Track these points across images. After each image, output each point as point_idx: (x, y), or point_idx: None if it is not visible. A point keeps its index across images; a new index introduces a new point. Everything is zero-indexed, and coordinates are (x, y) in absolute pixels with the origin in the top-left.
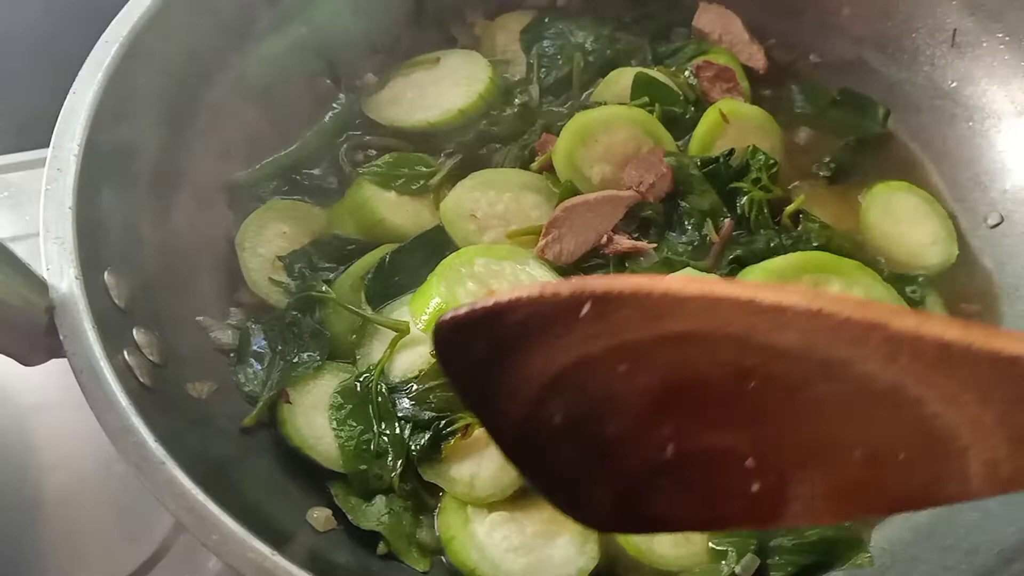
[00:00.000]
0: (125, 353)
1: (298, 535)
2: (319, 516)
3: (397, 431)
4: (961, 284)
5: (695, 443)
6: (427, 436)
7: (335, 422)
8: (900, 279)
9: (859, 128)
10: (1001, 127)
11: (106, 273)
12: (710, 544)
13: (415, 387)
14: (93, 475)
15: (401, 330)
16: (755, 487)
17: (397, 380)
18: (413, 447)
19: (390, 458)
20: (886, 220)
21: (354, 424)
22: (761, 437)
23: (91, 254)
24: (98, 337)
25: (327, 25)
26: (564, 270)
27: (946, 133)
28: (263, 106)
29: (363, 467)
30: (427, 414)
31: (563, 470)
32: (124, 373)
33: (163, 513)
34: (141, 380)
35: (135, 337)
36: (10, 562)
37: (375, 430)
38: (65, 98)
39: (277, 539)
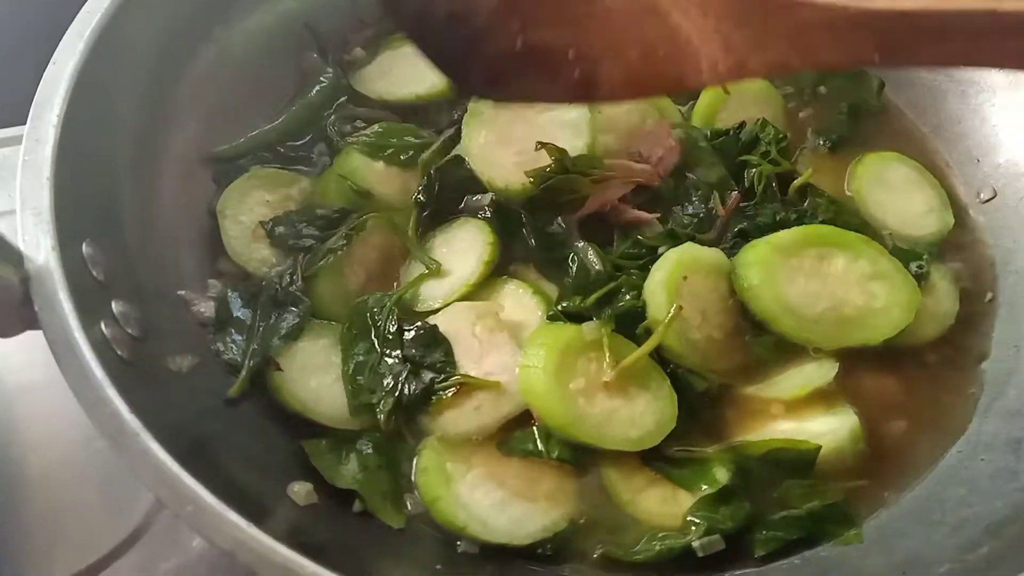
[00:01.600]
0: (103, 325)
1: (278, 509)
2: (300, 490)
3: (397, 362)
4: (955, 258)
5: (535, 37)
6: (421, 387)
7: (344, 343)
8: (905, 254)
9: (855, 98)
10: (995, 101)
11: (84, 245)
12: (689, 516)
13: (424, 326)
14: (75, 453)
15: (432, 270)
16: (576, 72)
17: (417, 308)
18: (406, 390)
19: (387, 384)
20: (879, 190)
21: (359, 346)
22: (577, 35)
23: (69, 226)
24: (74, 308)
25: None
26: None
27: (939, 107)
28: (247, 79)
29: (358, 391)
30: (427, 360)
31: (452, 49)
32: (101, 346)
33: (145, 490)
34: (119, 353)
35: (114, 310)
36: None
37: (377, 351)
38: None
39: (256, 513)
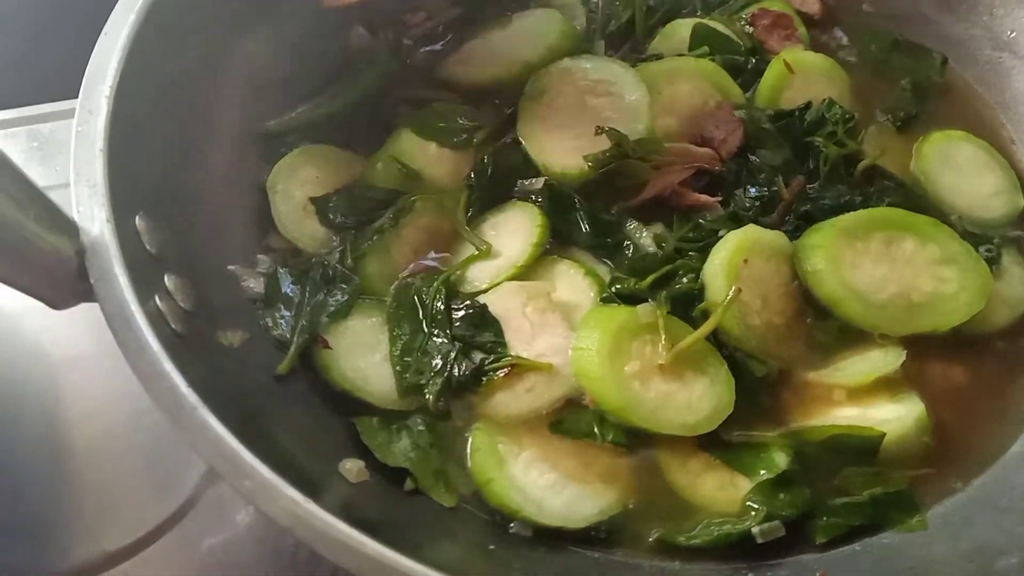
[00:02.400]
0: (156, 299)
1: (331, 486)
2: (352, 467)
3: (447, 341)
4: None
5: None
6: (471, 368)
7: (391, 322)
8: (975, 238)
9: (918, 75)
10: None
11: (137, 218)
12: (748, 502)
13: (476, 305)
14: (123, 427)
15: (482, 252)
16: None
17: (466, 289)
18: (456, 371)
19: (436, 364)
20: (946, 170)
21: (406, 326)
22: None
23: (122, 198)
24: (129, 282)
25: None
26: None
27: (1005, 84)
28: (297, 53)
29: (407, 371)
30: (477, 340)
31: None
32: (156, 319)
33: (192, 465)
34: (173, 327)
35: (166, 283)
36: (40, 514)
37: (425, 331)
38: (93, 48)
39: (310, 489)
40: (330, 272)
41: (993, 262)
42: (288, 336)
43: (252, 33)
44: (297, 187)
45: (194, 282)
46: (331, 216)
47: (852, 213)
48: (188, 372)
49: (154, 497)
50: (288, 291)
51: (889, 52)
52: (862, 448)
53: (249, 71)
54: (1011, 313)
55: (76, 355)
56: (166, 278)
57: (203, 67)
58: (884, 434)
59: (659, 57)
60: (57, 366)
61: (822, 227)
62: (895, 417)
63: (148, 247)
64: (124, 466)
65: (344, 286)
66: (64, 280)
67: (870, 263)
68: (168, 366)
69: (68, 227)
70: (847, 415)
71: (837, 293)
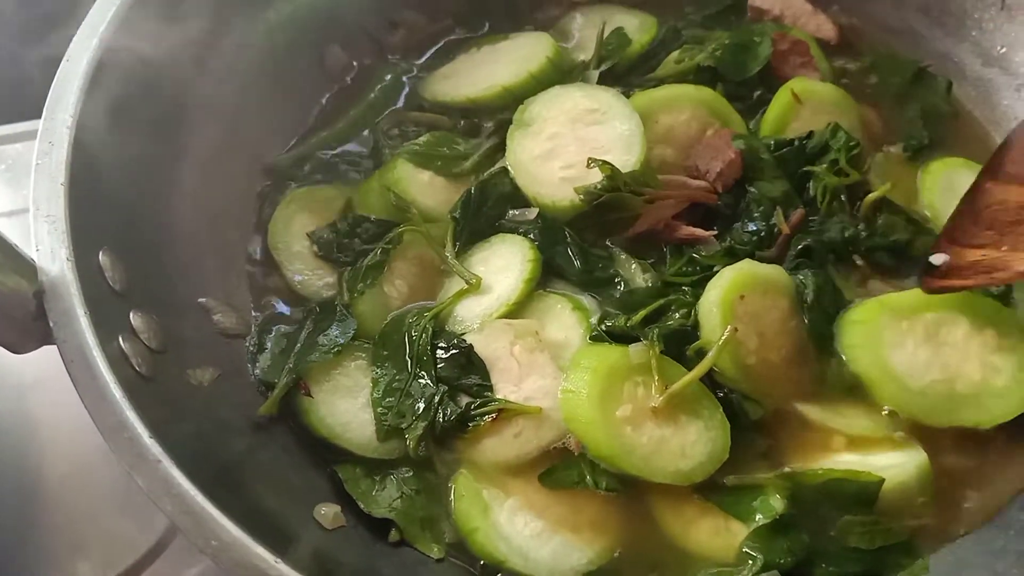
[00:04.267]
0: (120, 339)
1: (304, 534)
2: (327, 512)
3: (431, 384)
4: None
5: None
6: (457, 412)
7: (376, 361)
8: None
9: (926, 102)
10: None
11: (101, 254)
12: (744, 549)
13: (461, 346)
14: (95, 457)
15: (471, 285)
16: None
17: (454, 329)
18: (440, 416)
19: (419, 408)
20: (953, 200)
21: (390, 365)
22: None
23: (85, 234)
24: (91, 323)
25: None
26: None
27: (994, 102)
28: (270, 75)
29: (388, 414)
30: (462, 383)
31: None
32: (119, 362)
33: None
34: (138, 369)
35: (132, 322)
36: (9, 550)
37: (409, 371)
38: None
39: (281, 540)
40: (328, 311)
41: (1006, 294)
42: (274, 376)
43: (221, 53)
44: (296, 240)
45: (162, 318)
46: (327, 250)
47: (904, 292)
48: (152, 419)
49: (128, 533)
50: (282, 330)
51: (910, 83)
52: (860, 494)
53: (219, 94)
54: None
55: (46, 377)
56: (132, 316)
57: (171, 90)
58: (883, 480)
59: (658, 84)
60: (27, 390)
61: (868, 303)
62: (896, 464)
63: (112, 284)
64: (96, 501)
65: (340, 324)
66: (23, 323)
67: (913, 344)
68: (130, 415)
69: (26, 267)
70: (846, 460)
71: (871, 373)
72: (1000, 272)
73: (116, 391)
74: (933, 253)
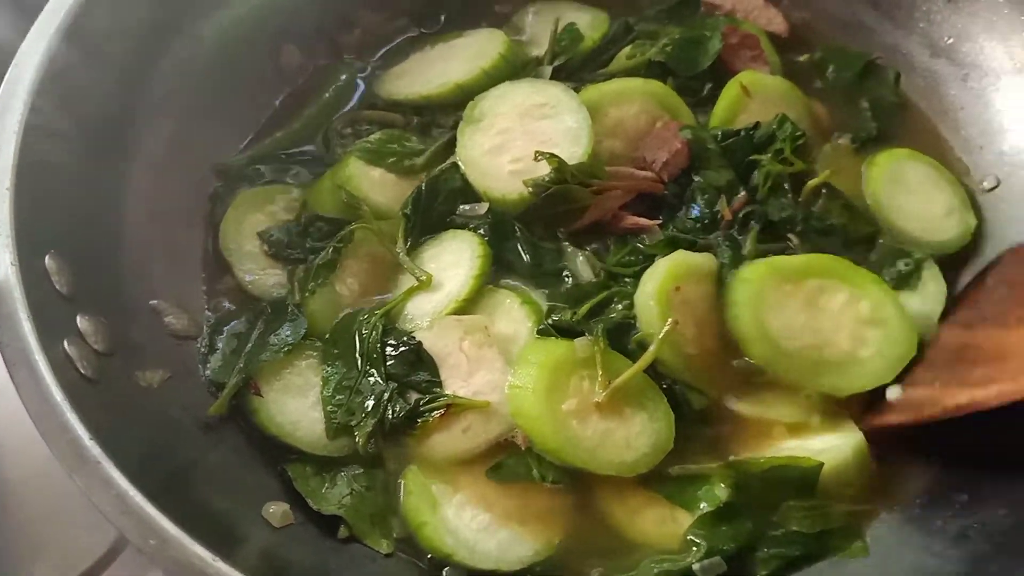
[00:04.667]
0: (66, 343)
1: (253, 533)
2: (276, 511)
3: (380, 381)
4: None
5: None
6: (406, 409)
7: (327, 359)
8: (894, 252)
9: (875, 93)
10: (999, 85)
11: (48, 257)
12: (689, 536)
13: (410, 343)
14: (49, 462)
15: (422, 282)
16: None
17: (404, 326)
18: (390, 413)
19: (369, 405)
20: (897, 193)
21: (340, 364)
22: None
23: (31, 238)
24: (34, 327)
25: None
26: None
27: (942, 92)
28: (223, 75)
29: (337, 412)
30: (412, 380)
31: None
32: (63, 365)
33: None
34: (83, 371)
35: (78, 325)
36: None
37: (359, 369)
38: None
39: (229, 539)
40: (280, 310)
41: (911, 275)
42: (224, 377)
43: (172, 54)
44: (248, 239)
45: (111, 321)
46: (278, 249)
47: (795, 256)
48: (97, 422)
49: (86, 535)
50: (232, 329)
51: (860, 75)
52: (802, 479)
53: (170, 95)
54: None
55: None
56: (78, 319)
57: (121, 93)
58: (822, 464)
59: (609, 78)
60: None
61: (759, 263)
62: (832, 447)
63: (59, 287)
64: (54, 503)
65: (292, 323)
66: None
67: (793, 309)
68: (71, 418)
69: None
70: (786, 447)
71: (749, 331)
72: (929, 408)
73: (58, 394)
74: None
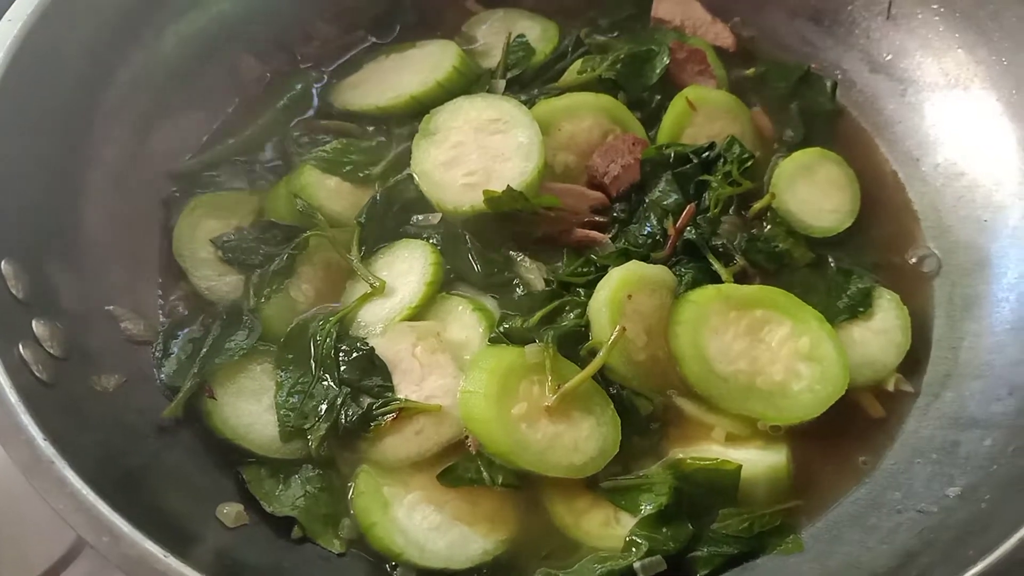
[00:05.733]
0: (20, 347)
1: (207, 534)
2: (229, 512)
3: (334, 386)
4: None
5: None
6: (359, 413)
7: (281, 364)
8: (843, 277)
9: (808, 100)
10: (934, 100)
11: (3, 263)
12: (631, 537)
13: (363, 348)
14: (3, 468)
15: (375, 288)
16: None
17: (358, 332)
18: (343, 417)
19: (322, 409)
20: (800, 178)
21: (294, 369)
22: None
23: None
24: None
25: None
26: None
27: (880, 107)
28: (182, 84)
29: (290, 416)
30: (364, 384)
31: None
32: (18, 368)
33: None
34: (38, 375)
35: (34, 330)
36: None
37: (313, 374)
38: None
39: (182, 539)
40: (235, 315)
41: (861, 303)
42: (180, 381)
43: (131, 63)
44: (202, 246)
45: (67, 326)
46: (233, 255)
47: (745, 287)
48: (50, 424)
49: (40, 540)
50: (188, 335)
51: (797, 84)
52: (723, 482)
53: (129, 103)
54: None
55: None
56: (34, 324)
57: (78, 101)
58: (740, 466)
59: (563, 92)
60: None
61: (708, 288)
62: (749, 460)
63: (15, 292)
64: (5, 510)
65: (247, 328)
66: None
67: (732, 335)
68: (25, 419)
69: None
70: (715, 450)
71: (685, 350)
72: None
73: (12, 395)
74: None
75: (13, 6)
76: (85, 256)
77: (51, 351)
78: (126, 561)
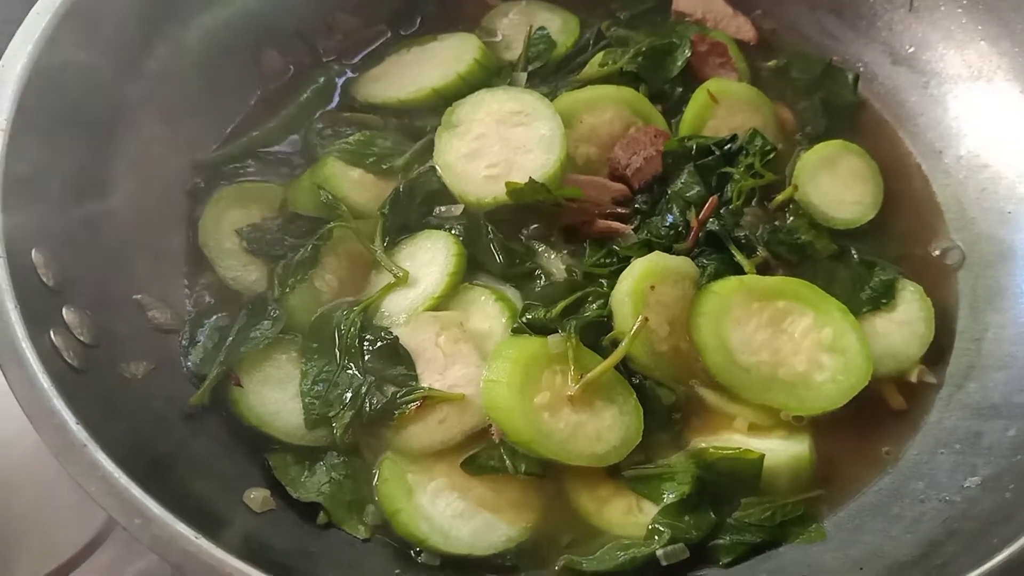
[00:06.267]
0: (52, 333)
1: (235, 519)
2: (256, 497)
3: (358, 374)
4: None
5: None
6: (383, 401)
7: (306, 353)
8: (865, 269)
9: (829, 93)
10: (957, 92)
11: (34, 251)
12: (654, 525)
13: (387, 338)
14: (30, 457)
15: (399, 278)
16: None
17: (382, 322)
18: (367, 406)
19: (347, 398)
20: (822, 170)
21: (319, 357)
22: None
23: (18, 232)
24: (21, 317)
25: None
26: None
27: (903, 99)
28: (206, 77)
29: (316, 404)
30: (388, 373)
31: None
32: (50, 355)
33: None
34: (69, 361)
35: (64, 317)
36: None
37: (338, 363)
38: None
39: (211, 523)
40: (260, 305)
41: (884, 295)
42: (206, 369)
43: (156, 56)
44: (227, 237)
45: (96, 314)
46: (257, 246)
47: (769, 277)
48: (81, 408)
49: (72, 523)
50: (214, 323)
51: (819, 77)
52: (746, 471)
53: (155, 95)
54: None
55: None
56: (64, 311)
57: (106, 93)
58: (763, 455)
59: (582, 84)
60: None
61: (731, 279)
62: (771, 449)
63: (46, 281)
64: (33, 497)
65: (271, 318)
66: None
67: (755, 325)
68: (58, 403)
69: None
70: (738, 440)
71: (707, 341)
72: None
73: (44, 380)
74: None
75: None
76: (113, 246)
77: (81, 338)
78: (157, 543)
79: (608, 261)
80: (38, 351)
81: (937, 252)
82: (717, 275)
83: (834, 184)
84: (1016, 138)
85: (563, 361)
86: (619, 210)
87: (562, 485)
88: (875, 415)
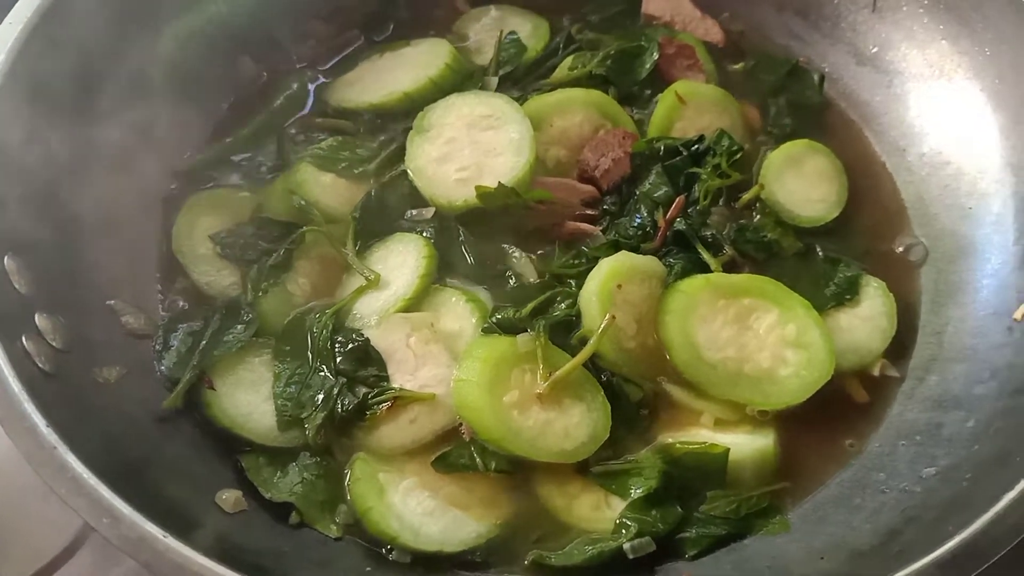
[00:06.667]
0: (24, 339)
1: (207, 520)
2: (228, 497)
3: (330, 376)
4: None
5: None
6: (355, 402)
7: (278, 356)
8: (829, 266)
9: (796, 94)
10: (919, 91)
11: (6, 258)
12: (622, 519)
13: (359, 340)
14: (11, 462)
15: (370, 281)
16: None
17: (354, 324)
18: (339, 407)
19: (319, 399)
20: (788, 169)
21: (291, 360)
22: None
23: None
24: None
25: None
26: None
27: (867, 98)
28: (180, 84)
29: (288, 406)
30: (360, 375)
31: None
32: (22, 360)
33: None
34: (41, 366)
35: (37, 323)
36: None
37: (310, 365)
38: None
39: (183, 524)
40: (233, 309)
41: (848, 291)
42: (179, 372)
43: (129, 63)
44: (201, 243)
45: (69, 319)
46: (231, 250)
47: (735, 275)
48: (52, 412)
49: (45, 531)
50: (187, 328)
51: (785, 78)
52: (713, 464)
53: (128, 102)
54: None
55: None
56: (37, 317)
57: (79, 100)
58: (728, 450)
59: (554, 88)
60: None
61: (697, 277)
62: (736, 443)
63: (18, 287)
64: (11, 501)
65: (244, 321)
66: None
67: (721, 322)
68: (29, 407)
69: None
70: (704, 435)
71: (674, 338)
72: None
73: (15, 385)
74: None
75: (14, 8)
76: (86, 252)
77: (53, 344)
78: (126, 542)
79: (577, 262)
80: (9, 357)
81: (901, 248)
82: (684, 273)
83: (800, 183)
84: (976, 135)
85: (532, 360)
86: (588, 212)
87: (531, 482)
88: (839, 409)
